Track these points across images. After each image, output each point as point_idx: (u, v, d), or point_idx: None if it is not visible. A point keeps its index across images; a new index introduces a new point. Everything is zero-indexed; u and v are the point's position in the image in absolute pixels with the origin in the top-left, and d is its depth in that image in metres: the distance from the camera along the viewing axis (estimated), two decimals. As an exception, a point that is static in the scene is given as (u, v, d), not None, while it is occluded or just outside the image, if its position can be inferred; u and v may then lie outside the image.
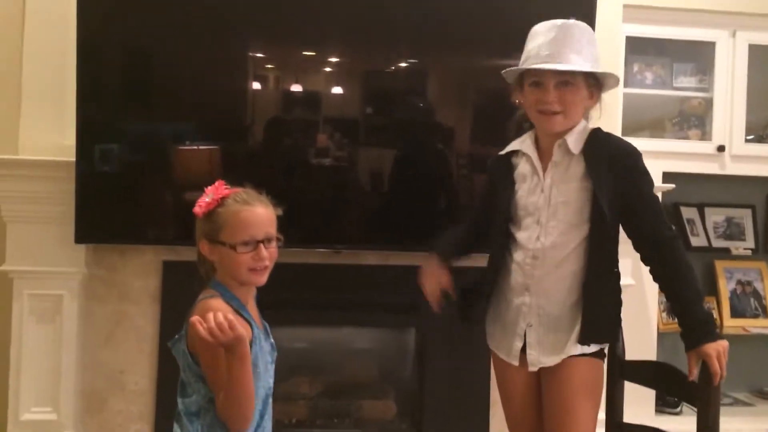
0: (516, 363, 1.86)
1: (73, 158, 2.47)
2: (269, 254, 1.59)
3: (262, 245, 1.57)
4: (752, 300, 3.24)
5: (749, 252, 3.23)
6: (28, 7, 2.55)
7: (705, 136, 3.05)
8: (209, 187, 1.63)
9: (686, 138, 3.08)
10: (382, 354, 2.83)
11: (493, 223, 1.93)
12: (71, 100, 2.49)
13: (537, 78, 1.79)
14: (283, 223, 2.58)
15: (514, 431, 1.95)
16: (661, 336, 2.99)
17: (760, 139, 3.07)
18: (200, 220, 1.62)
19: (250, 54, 2.66)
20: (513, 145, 1.93)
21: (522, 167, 1.90)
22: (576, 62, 1.75)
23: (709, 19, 2.98)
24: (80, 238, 2.50)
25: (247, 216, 1.58)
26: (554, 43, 1.77)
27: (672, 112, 3.13)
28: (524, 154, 1.89)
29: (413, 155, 2.80)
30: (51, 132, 2.54)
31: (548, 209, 1.81)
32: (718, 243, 3.24)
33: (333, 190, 2.77)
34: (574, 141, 1.82)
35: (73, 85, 2.48)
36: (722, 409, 3.04)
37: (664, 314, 3.09)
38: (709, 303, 3.19)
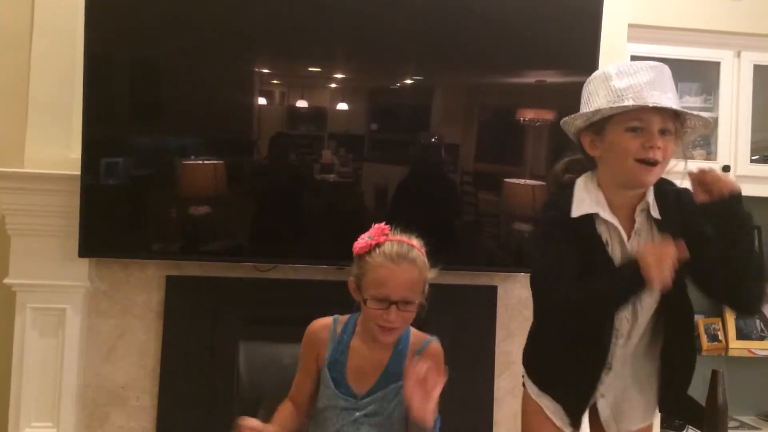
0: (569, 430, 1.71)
1: (78, 172, 2.47)
2: (401, 317, 1.55)
3: (394, 307, 1.54)
4: (758, 322, 3.21)
5: (756, 273, 3.21)
6: (36, 21, 2.57)
7: (710, 156, 3.04)
8: (374, 227, 1.61)
9: (691, 158, 3.07)
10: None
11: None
12: (78, 114, 2.50)
13: (640, 122, 1.52)
14: (287, 239, 2.59)
15: None
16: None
17: (765, 160, 3.06)
18: (354, 259, 1.61)
19: (256, 69, 2.67)
20: (584, 207, 1.60)
21: (604, 232, 1.61)
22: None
23: (713, 39, 2.98)
24: (84, 251, 2.50)
25: (386, 275, 1.54)
26: (659, 83, 1.53)
27: (677, 132, 3.13)
28: (599, 217, 1.60)
29: (418, 171, 2.80)
30: (57, 145, 2.55)
31: None
32: (723, 264, 3.22)
33: (337, 205, 2.77)
34: (653, 203, 1.60)
35: (80, 99, 2.49)
36: (728, 432, 3.02)
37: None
38: (715, 324, 3.17)
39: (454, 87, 2.81)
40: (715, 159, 3.00)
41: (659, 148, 1.52)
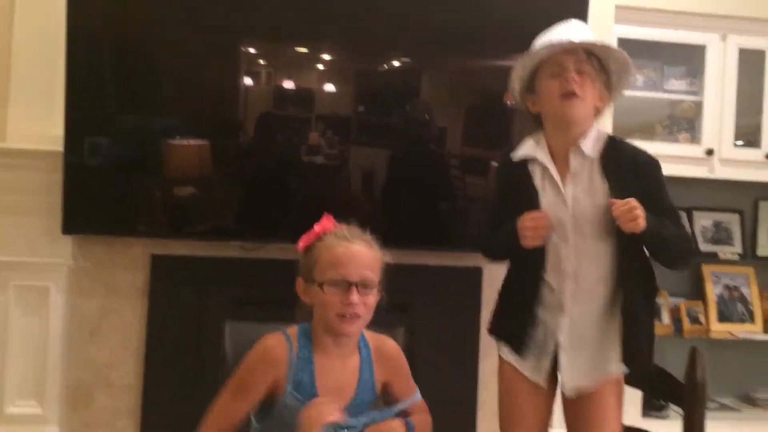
0: (543, 384, 1.79)
1: (61, 148, 2.45)
2: (363, 302, 1.41)
3: (354, 288, 1.40)
4: (739, 305, 3.25)
5: (737, 257, 3.25)
6: (18, -3, 2.54)
7: (695, 139, 3.06)
8: (318, 223, 1.51)
9: (676, 141, 3.09)
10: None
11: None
12: (60, 89, 2.47)
13: (556, 67, 1.73)
14: (274, 219, 2.58)
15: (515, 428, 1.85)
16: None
17: (749, 144, 3.09)
18: (300, 256, 1.49)
19: (243, 49, 2.66)
20: (525, 151, 1.83)
21: (540, 177, 1.80)
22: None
23: (700, 22, 2.99)
24: (67, 228, 2.49)
25: (341, 253, 1.42)
26: (570, 31, 1.76)
27: (662, 115, 3.14)
28: (538, 162, 1.80)
29: (406, 154, 2.80)
30: (39, 121, 2.53)
31: (575, 225, 1.74)
32: (706, 247, 3.25)
33: (324, 188, 2.76)
34: (591, 146, 1.76)
35: (63, 76, 2.46)
36: (708, 414, 3.03)
37: (651, 317, 3.09)
38: (696, 306, 3.20)
39: (442, 70, 2.80)
40: (699, 143, 3.02)
41: (575, 81, 1.71)
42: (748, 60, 3.01)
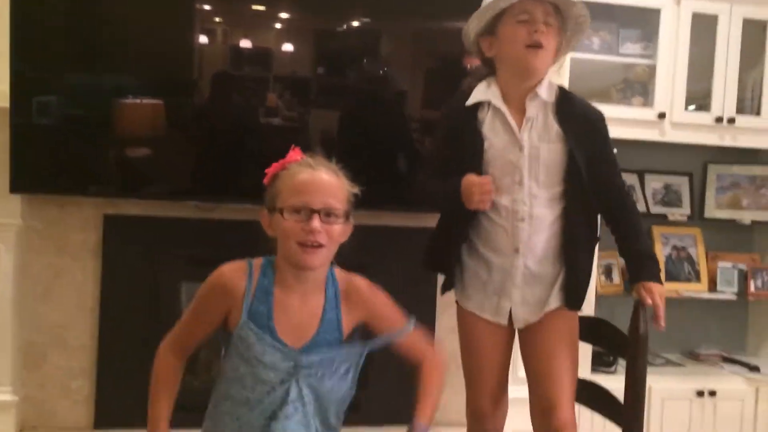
0: (504, 322, 1.86)
1: (7, 104, 2.37)
2: (326, 231, 1.35)
3: (317, 215, 1.35)
4: (686, 265, 3.36)
5: (685, 218, 3.34)
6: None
7: (648, 103, 3.11)
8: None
9: (630, 105, 3.14)
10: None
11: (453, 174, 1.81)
12: (5, 44, 2.38)
13: (527, 15, 1.74)
14: (230, 180, 2.55)
15: (482, 387, 1.93)
16: (599, 298, 3.08)
17: (700, 108, 3.15)
18: (266, 189, 1.44)
19: (197, 6, 2.60)
20: (477, 95, 1.84)
21: (491, 121, 1.82)
22: None
23: (655, -15, 3.02)
24: (16, 187, 2.43)
25: (303, 180, 1.37)
26: None
27: (617, 78, 3.19)
28: (492, 106, 1.82)
29: (365, 117, 2.79)
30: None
31: (529, 169, 1.78)
32: (656, 209, 3.34)
33: (282, 150, 2.74)
34: (546, 92, 1.80)
35: (7, 30, 2.37)
36: (654, 369, 3.18)
37: (602, 276, 3.18)
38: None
39: (402, 31, 2.79)
40: (651, 106, 3.08)
41: (543, 32, 1.74)
42: (701, 25, 3.06)
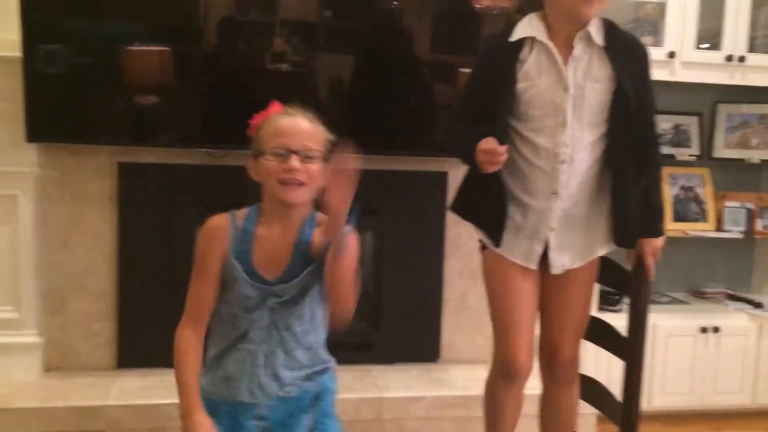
0: (535, 267, 1.83)
1: (19, 53, 2.39)
2: (305, 170, 1.47)
3: (295, 155, 1.47)
4: (693, 205, 3.38)
5: (694, 158, 3.35)
6: None
7: (657, 42, 3.08)
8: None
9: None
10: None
11: (492, 120, 1.75)
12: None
13: None
14: (241, 130, 2.56)
15: (519, 338, 1.87)
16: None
17: (712, 47, 3.12)
18: (251, 137, 1.56)
19: (202, -50, 2.57)
20: (521, 31, 1.76)
21: (535, 60, 1.75)
22: None
23: None
24: (32, 136, 2.46)
25: (283, 125, 1.50)
26: None
27: (627, 17, 3.15)
28: (536, 44, 1.75)
29: (373, 61, 2.77)
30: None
31: (573, 110, 1.73)
32: (665, 149, 3.34)
33: (290, 95, 2.74)
34: (596, 32, 1.73)
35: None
36: (659, 308, 3.24)
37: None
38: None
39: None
40: (661, 45, 3.05)
41: None
42: (713, -39, 3.00)
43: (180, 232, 2.60)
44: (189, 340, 1.53)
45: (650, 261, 1.80)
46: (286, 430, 1.55)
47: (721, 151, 3.40)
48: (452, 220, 2.91)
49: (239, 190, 2.75)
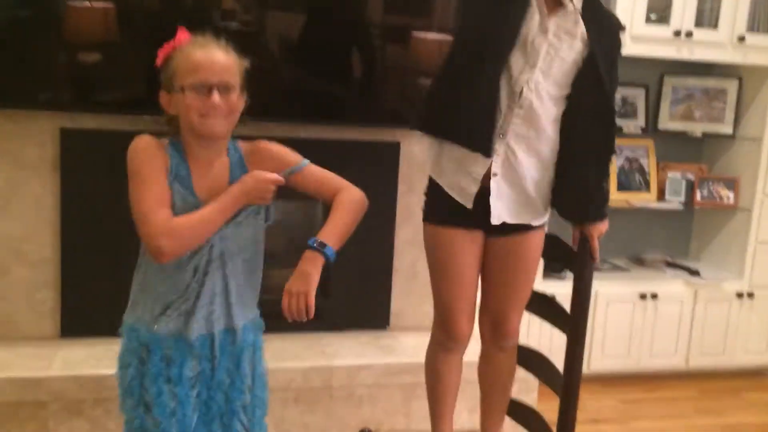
0: (469, 206, 1.80)
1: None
2: (225, 102, 1.47)
3: (215, 90, 1.45)
4: (637, 175, 3.47)
5: (639, 130, 3.43)
6: None
7: (609, 15, 3.10)
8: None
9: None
10: (291, 225, 2.89)
11: (483, 46, 1.72)
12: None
13: None
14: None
15: (459, 303, 1.90)
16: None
17: (661, 20, 3.15)
18: (161, 70, 1.52)
19: None
20: None
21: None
22: None
23: None
24: (-35, 101, 2.36)
25: (199, 57, 1.46)
26: None
27: (580, -11, 3.15)
28: None
29: (324, 20, 2.72)
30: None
31: (547, 58, 1.72)
32: (612, 120, 3.40)
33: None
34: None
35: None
36: (600, 274, 3.34)
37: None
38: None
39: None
40: (613, 19, 3.07)
41: None
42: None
43: (125, 200, 2.53)
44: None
45: (596, 244, 1.84)
46: (226, 373, 1.59)
47: (666, 123, 3.48)
48: (403, 190, 2.93)
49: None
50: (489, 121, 1.75)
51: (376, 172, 2.87)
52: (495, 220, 1.82)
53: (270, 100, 2.67)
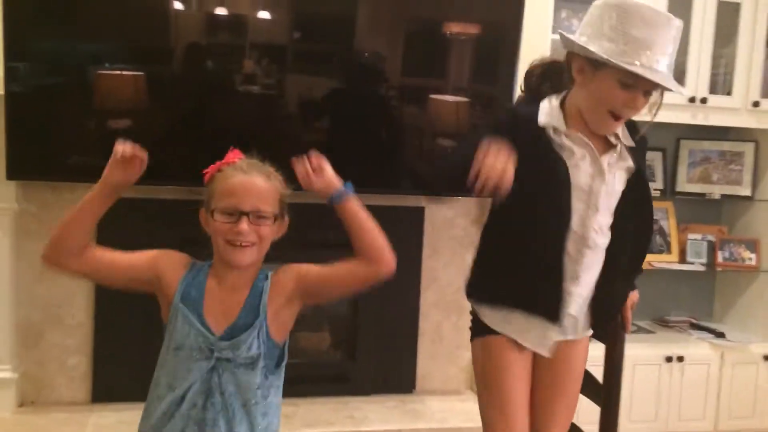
0: (548, 354, 1.72)
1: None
2: (255, 231, 1.43)
3: (245, 218, 1.42)
4: (658, 237, 3.50)
5: (658, 192, 3.47)
6: None
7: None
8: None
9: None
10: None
11: (519, 195, 1.56)
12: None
13: (634, 83, 1.57)
14: (208, 154, 2.55)
15: (514, 412, 1.75)
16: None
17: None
18: (206, 185, 1.50)
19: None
20: (551, 120, 1.67)
21: (567, 142, 1.66)
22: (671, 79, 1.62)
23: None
24: (11, 174, 2.46)
25: (234, 184, 1.43)
26: (668, 46, 1.60)
27: (596, 58, 3.25)
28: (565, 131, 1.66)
29: (343, 83, 2.80)
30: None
31: (606, 197, 1.67)
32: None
33: (261, 118, 2.75)
34: (622, 132, 1.70)
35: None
36: (627, 336, 3.32)
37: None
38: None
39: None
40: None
41: (637, 110, 1.61)
42: (676, 3, 3.11)
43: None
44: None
45: (629, 314, 1.83)
46: None
47: (684, 185, 3.52)
48: (428, 253, 2.98)
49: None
50: (557, 287, 1.70)
51: (401, 237, 2.89)
52: (552, 354, 1.75)
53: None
